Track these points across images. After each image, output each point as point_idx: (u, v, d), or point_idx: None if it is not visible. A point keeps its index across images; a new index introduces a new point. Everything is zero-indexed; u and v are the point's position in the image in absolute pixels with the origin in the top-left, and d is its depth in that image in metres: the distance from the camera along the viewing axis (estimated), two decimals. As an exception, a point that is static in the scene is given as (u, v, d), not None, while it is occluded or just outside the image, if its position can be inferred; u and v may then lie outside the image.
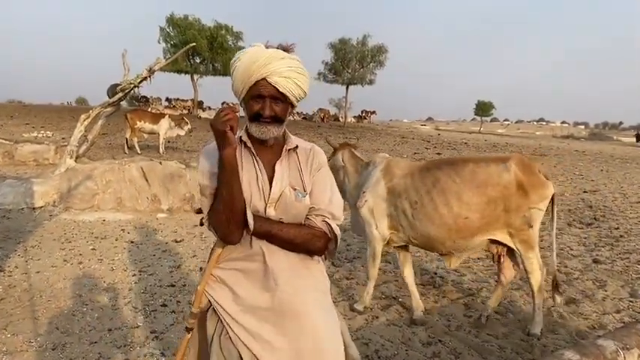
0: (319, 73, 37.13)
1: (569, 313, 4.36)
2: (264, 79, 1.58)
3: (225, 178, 1.54)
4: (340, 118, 41.27)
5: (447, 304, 4.58)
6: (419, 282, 5.11)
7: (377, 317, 4.21)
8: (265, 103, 1.60)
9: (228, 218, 1.57)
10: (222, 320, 1.66)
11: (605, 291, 4.96)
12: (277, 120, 1.63)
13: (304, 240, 1.65)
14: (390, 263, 5.71)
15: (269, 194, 1.64)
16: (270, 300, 1.64)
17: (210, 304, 1.70)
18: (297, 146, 1.74)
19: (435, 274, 5.41)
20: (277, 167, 1.68)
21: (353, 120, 43.76)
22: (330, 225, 1.68)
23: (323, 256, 1.77)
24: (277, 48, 1.64)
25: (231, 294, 1.67)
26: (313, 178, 1.73)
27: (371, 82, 36.96)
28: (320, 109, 42.45)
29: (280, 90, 1.59)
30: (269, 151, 1.70)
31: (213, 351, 1.70)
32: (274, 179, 1.66)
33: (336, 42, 36.07)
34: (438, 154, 20.98)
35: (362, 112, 46.16)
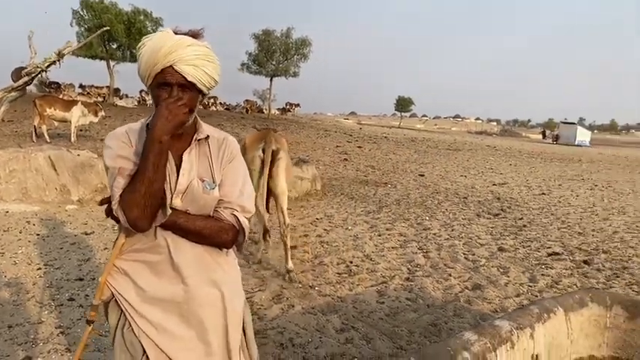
0: (243, 64, 36.58)
1: (475, 298, 4.60)
2: (170, 66, 1.51)
3: (155, 158, 1.46)
4: (264, 110, 40.90)
5: (361, 291, 4.69)
6: (336, 271, 5.21)
7: (293, 306, 4.24)
8: (172, 92, 1.53)
9: (145, 201, 1.48)
10: (125, 312, 1.60)
11: (508, 277, 5.28)
12: None
13: (211, 232, 1.61)
14: (308, 253, 5.77)
15: (176, 185, 1.58)
16: (176, 293, 1.60)
17: (112, 295, 1.64)
18: (208, 136, 1.68)
19: (351, 262, 5.53)
20: (185, 157, 1.61)
21: (277, 112, 43.56)
22: (238, 218, 1.64)
23: (233, 249, 1.74)
24: (187, 33, 1.56)
25: (133, 286, 1.61)
26: (224, 169, 1.68)
27: (295, 75, 36.76)
28: (246, 100, 41.85)
29: (188, 79, 1.52)
30: (178, 140, 1.61)
31: (116, 344, 1.63)
32: (181, 170, 1.60)
33: (259, 33, 35.51)
34: (359, 147, 21.45)
35: (286, 104, 46.06)
